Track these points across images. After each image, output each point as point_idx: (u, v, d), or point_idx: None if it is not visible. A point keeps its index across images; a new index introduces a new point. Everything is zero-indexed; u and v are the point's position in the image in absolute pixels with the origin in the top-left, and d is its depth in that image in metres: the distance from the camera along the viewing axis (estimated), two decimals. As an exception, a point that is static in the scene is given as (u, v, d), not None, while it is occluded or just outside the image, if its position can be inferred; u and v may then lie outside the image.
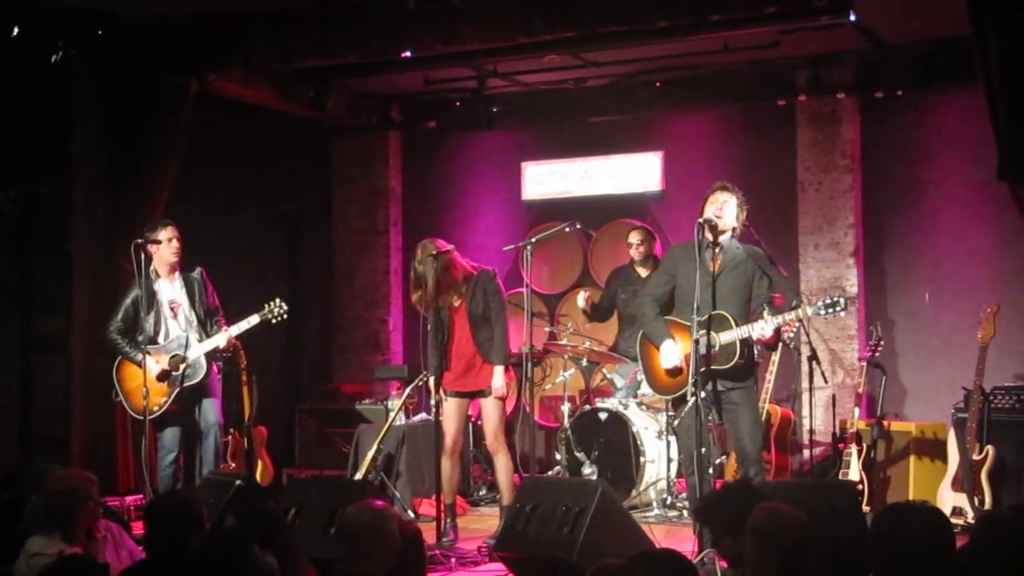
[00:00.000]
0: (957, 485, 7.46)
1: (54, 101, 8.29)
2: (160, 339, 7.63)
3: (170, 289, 7.71)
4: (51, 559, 4.70)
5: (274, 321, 7.76)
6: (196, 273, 7.79)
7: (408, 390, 8.40)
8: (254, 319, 7.69)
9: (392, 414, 8.39)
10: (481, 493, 9.04)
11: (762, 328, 6.36)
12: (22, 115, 8.16)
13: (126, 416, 8.30)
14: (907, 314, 9.34)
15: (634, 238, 9.06)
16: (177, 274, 7.73)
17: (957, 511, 7.36)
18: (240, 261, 9.51)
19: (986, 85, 6.86)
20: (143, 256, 7.55)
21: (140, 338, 7.53)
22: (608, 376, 9.02)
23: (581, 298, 8.99)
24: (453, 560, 6.63)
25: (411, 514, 8.13)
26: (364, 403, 9.37)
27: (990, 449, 7.37)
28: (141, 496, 7.88)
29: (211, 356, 7.66)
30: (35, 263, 8.48)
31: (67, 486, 5.12)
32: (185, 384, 7.53)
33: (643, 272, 8.87)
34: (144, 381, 7.38)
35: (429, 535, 6.70)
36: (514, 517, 6.02)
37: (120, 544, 5.38)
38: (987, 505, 7.29)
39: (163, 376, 7.53)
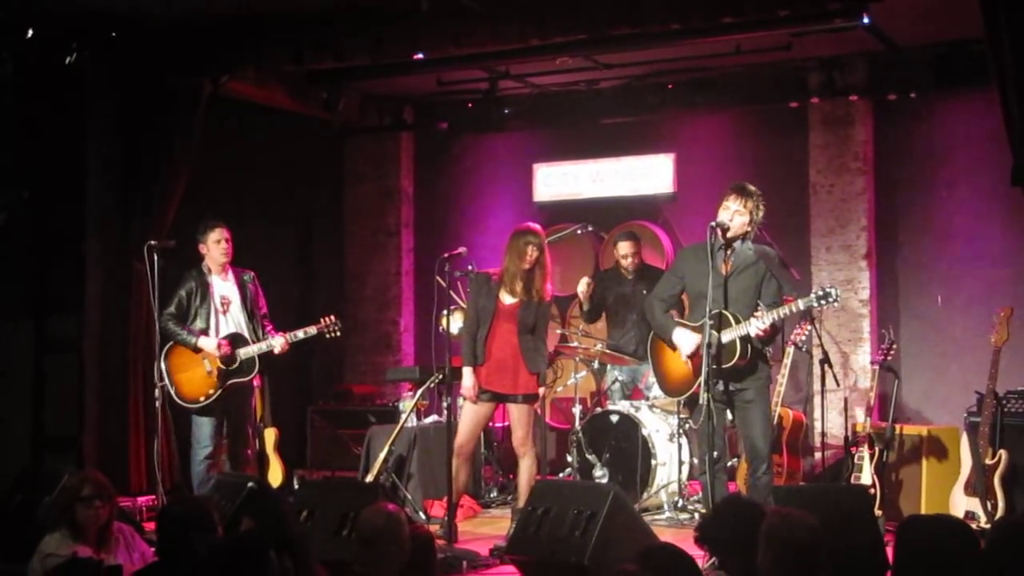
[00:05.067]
0: (970, 489, 7.43)
1: (68, 103, 8.32)
2: (211, 334, 7.73)
3: (223, 286, 7.85)
4: (63, 559, 4.73)
5: (328, 336, 7.97)
6: (249, 276, 7.96)
7: (420, 392, 8.40)
8: (312, 330, 7.89)
9: (404, 416, 8.40)
10: (492, 495, 9.03)
11: (757, 325, 6.37)
12: (36, 117, 8.20)
13: (139, 417, 8.34)
14: (919, 317, 9.31)
15: (623, 249, 8.87)
16: (231, 273, 7.88)
17: (970, 515, 7.33)
18: (252, 262, 9.49)
19: (1000, 88, 6.84)
20: (156, 257, 7.65)
21: (194, 327, 7.68)
22: (620, 379, 8.97)
23: (583, 283, 8.89)
24: (464, 563, 6.62)
25: (422, 516, 8.13)
26: (376, 404, 9.35)
27: (1003, 453, 7.35)
28: (153, 497, 7.90)
29: (263, 358, 7.78)
30: (48, 264, 8.50)
31: (69, 486, 5.18)
32: (235, 380, 7.68)
33: (630, 276, 8.83)
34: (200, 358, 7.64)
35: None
36: (526, 520, 6.03)
37: (132, 546, 5.40)
38: (1000, 509, 7.26)
39: (225, 362, 7.62)
